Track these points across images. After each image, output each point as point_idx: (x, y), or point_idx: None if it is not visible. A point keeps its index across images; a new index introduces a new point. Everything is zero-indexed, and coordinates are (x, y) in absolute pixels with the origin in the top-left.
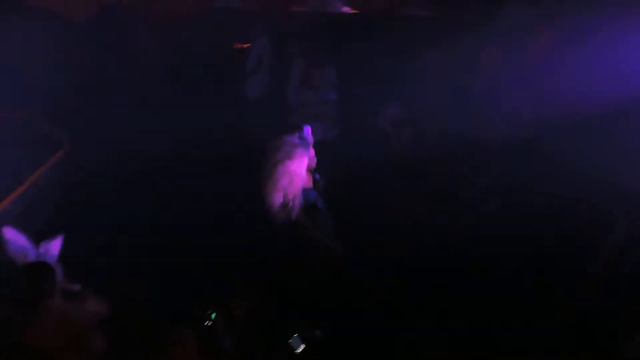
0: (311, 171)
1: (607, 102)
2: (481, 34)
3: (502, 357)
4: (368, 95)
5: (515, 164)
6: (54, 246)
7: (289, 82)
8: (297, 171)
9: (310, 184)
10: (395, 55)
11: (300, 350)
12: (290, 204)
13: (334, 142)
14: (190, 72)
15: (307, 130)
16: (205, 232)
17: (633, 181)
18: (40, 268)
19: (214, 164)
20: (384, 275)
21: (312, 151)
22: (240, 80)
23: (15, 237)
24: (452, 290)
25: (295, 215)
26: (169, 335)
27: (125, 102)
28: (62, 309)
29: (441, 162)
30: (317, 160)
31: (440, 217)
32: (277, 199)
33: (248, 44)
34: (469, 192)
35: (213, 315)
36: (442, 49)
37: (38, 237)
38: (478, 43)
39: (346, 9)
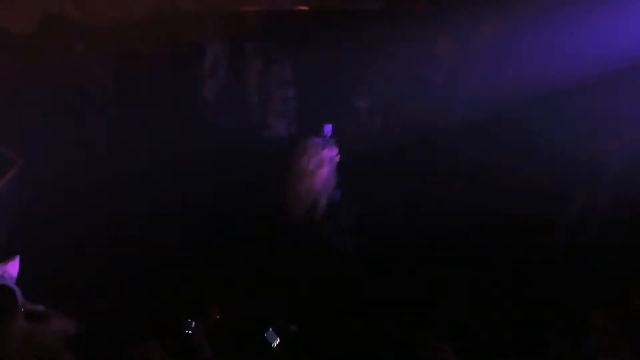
0: (334, 170)
1: (561, 81)
2: (433, 25)
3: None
4: (335, 89)
5: (479, 144)
6: (12, 268)
7: (247, 81)
8: (323, 171)
9: (334, 183)
10: (352, 50)
11: (276, 344)
12: (318, 202)
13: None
14: (146, 79)
15: (328, 129)
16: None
17: (589, 153)
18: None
19: (179, 170)
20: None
21: (335, 150)
22: (198, 83)
23: None
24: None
25: (320, 212)
26: (140, 349)
27: (80, 115)
28: (26, 331)
29: (412, 147)
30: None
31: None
32: (304, 199)
33: (203, 47)
34: (438, 173)
35: (192, 324)
36: (398, 41)
37: None
38: (431, 33)
39: (300, 6)
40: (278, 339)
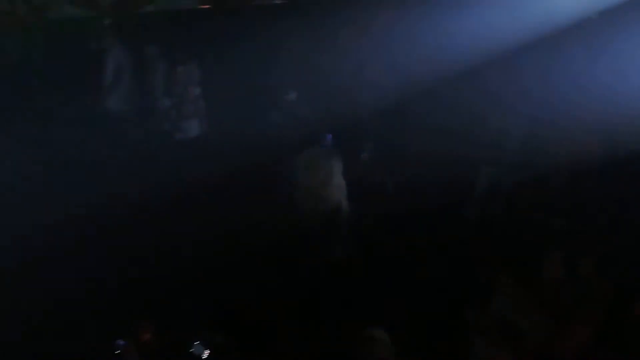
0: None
1: (460, 65)
2: (336, 15)
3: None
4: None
5: (389, 127)
6: None
7: (153, 85)
8: (332, 177)
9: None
10: (258, 44)
11: (205, 356)
12: (327, 208)
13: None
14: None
15: (329, 138)
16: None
17: (492, 134)
18: None
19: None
20: None
21: (340, 157)
22: (100, 93)
23: None
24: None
25: (330, 216)
26: None
27: None
28: None
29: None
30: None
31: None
32: (314, 210)
33: (102, 52)
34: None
35: (122, 344)
36: (303, 33)
37: None
38: (335, 24)
39: (201, 5)
40: (207, 351)
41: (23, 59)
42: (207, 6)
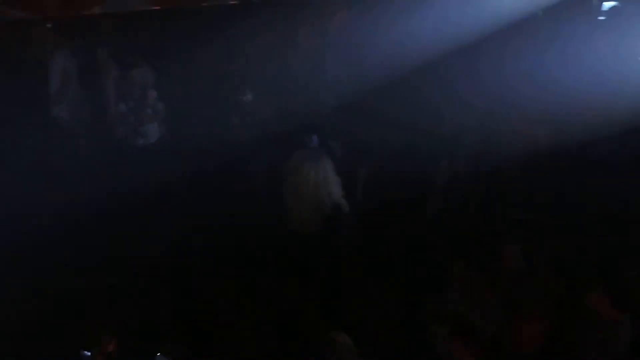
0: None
1: (415, 60)
2: (290, 14)
3: None
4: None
5: (349, 122)
6: None
7: (106, 91)
8: (325, 178)
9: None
10: (215, 45)
11: None
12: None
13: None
14: None
15: (315, 139)
16: None
17: (448, 128)
18: None
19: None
20: None
21: (329, 157)
22: (48, 102)
23: None
24: None
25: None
26: None
27: None
28: None
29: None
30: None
31: None
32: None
33: (46, 59)
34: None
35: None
36: (258, 33)
37: None
38: (290, 23)
39: (154, 6)
40: None
41: None
42: (161, 6)
